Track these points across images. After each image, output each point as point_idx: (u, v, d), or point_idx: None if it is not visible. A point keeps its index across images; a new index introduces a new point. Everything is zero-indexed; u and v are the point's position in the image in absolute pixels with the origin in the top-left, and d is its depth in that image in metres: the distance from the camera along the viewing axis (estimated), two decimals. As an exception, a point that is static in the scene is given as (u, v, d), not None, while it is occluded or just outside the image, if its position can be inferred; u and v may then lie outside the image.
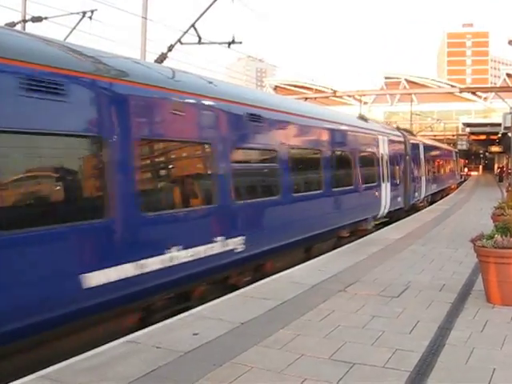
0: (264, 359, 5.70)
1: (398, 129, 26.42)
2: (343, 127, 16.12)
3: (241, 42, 14.97)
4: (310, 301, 8.09)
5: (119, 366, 5.59)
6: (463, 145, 71.19)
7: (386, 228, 17.83)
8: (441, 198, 34.01)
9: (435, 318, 7.16)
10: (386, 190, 19.44)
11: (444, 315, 7.28)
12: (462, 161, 78.38)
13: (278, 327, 6.78)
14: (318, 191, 13.53)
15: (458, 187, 47.67)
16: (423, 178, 28.71)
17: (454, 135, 74.31)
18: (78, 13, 15.46)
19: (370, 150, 18.53)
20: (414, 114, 63.41)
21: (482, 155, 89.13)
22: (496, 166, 76.55)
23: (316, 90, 60.51)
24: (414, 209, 25.17)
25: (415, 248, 13.11)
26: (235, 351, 5.92)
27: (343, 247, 13.63)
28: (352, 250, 13.15)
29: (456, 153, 55.21)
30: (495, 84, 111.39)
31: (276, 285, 9.34)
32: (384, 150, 19.94)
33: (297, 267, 10.98)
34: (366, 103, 78.17)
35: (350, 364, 5.53)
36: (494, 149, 70.12)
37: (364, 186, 17.09)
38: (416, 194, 26.06)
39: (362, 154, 17.52)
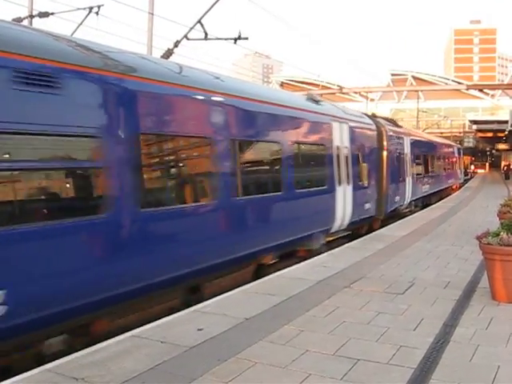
0: (269, 354, 5.71)
1: (374, 117, 20.57)
2: (266, 108, 11.18)
3: (247, 38, 14.99)
4: (315, 297, 8.10)
5: (124, 360, 5.61)
6: (470, 142, 71.12)
7: (391, 225, 17.76)
8: (439, 200, 29.93)
9: (440, 314, 7.15)
10: (344, 194, 14.72)
11: (449, 312, 7.27)
12: (469, 158, 78.14)
13: (283, 323, 6.79)
14: (207, 202, 9.19)
15: (460, 187, 42.97)
16: (409, 179, 23.09)
17: (460, 132, 74.22)
18: (84, 8, 15.50)
19: (316, 141, 13.79)
20: (421, 111, 63.33)
21: (488, 153, 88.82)
22: (503, 163, 76.30)
23: (322, 86, 60.41)
24: (396, 216, 20.74)
25: (421, 245, 13.09)
26: (240, 346, 5.93)
27: (348, 244, 13.61)
28: (357, 246, 13.15)
29: (459, 149, 48.85)
30: (502, 81, 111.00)
31: (281, 281, 9.35)
32: (342, 141, 14.96)
33: (302, 263, 11.00)
34: (372, 100, 78.10)
35: (355, 360, 5.53)
36: (501, 146, 69.93)
37: (304, 190, 12.60)
38: (397, 198, 20.80)
39: (302, 146, 12.98)
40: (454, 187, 40.78)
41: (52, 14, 15.97)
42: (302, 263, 11.03)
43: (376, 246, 12.86)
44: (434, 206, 26.05)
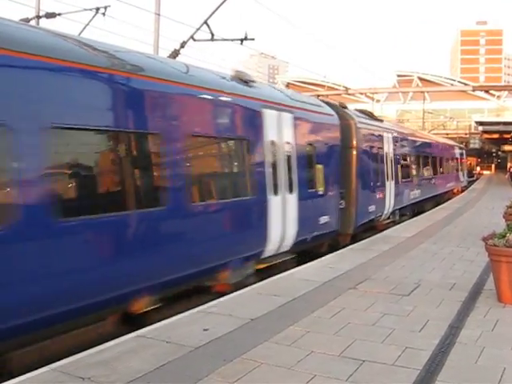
0: (274, 355, 5.71)
1: (343, 107, 16.36)
2: (137, 83, 7.84)
3: (253, 39, 15.01)
4: (320, 298, 8.10)
5: (130, 360, 5.63)
6: (476, 143, 70.88)
7: (396, 226, 17.72)
8: (436, 206, 26.66)
9: (445, 316, 7.14)
10: (284, 206, 11.15)
11: (454, 314, 7.26)
12: (475, 159, 77.94)
13: (288, 324, 6.79)
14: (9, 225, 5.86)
15: (463, 191, 39.62)
16: (390, 184, 18.88)
17: (466, 134, 74.02)
18: (91, 9, 15.57)
19: (232, 134, 10.13)
20: (427, 112, 63.22)
21: (494, 154, 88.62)
22: (509, 164, 76.09)
23: (328, 87, 60.37)
24: (373, 228, 17.17)
25: (426, 246, 13.07)
26: (245, 347, 5.94)
27: (353, 245, 13.59)
28: (362, 247, 13.13)
29: (461, 149, 44.37)
30: (509, 82, 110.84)
31: (286, 282, 9.36)
32: (281, 135, 11.33)
33: (307, 265, 10.99)
34: (378, 101, 78.04)
35: (360, 361, 5.53)
36: (507, 147, 69.73)
37: (210, 203, 9.30)
38: (372, 207, 16.73)
39: (205, 140, 9.56)
40: (455, 191, 37.31)
41: (59, 14, 16.04)
42: (307, 264, 11.02)
43: (381, 248, 12.85)
44: (439, 207, 25.84)
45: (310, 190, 12.56)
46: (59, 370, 5.39)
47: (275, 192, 10.85)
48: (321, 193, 13.18)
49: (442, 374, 5.23)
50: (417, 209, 23.91)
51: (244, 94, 10.46)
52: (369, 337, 6.32)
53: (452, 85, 72.66)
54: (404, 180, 21.34)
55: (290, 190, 11.47)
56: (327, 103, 15.58)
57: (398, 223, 19.12)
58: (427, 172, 27.35)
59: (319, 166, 13.14)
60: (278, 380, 5.12)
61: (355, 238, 15.07)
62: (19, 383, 5.16)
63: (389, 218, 19.17)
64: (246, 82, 10.98)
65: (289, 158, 11.60)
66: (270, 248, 10.84)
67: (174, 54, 13.68)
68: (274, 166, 10.99)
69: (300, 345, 6.05)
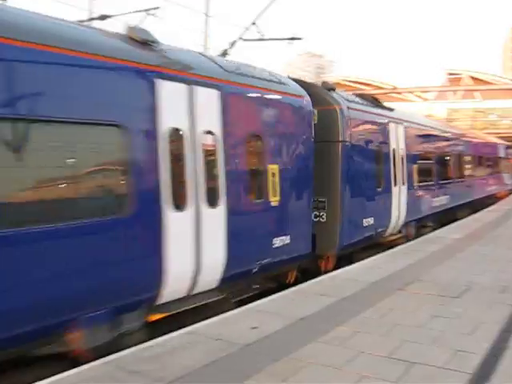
0: (322, 355, 5.74)
1: (329, 90, 12.20)
2: None
3: (301, 38, 15.02)
4: (369, 298, 8.08)
5: (180, 356, 5.75)
6: (528, 143, 69.08)
7: (445, 228, 17.40)
8: (473, 213, 22.13)
9: (497, 319, 7.03)
10: (197, 225, 7.57)
11: (506, 317, 7.14)
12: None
13: (337, 324, 6.81)
14: None
15: (510, 194, 34.22)
16: (398, 189, 14.46)
17: (520, 133, 72.29)
18: (141, 11, 15.87)
19: (93, 118, 6.26)
20: (478, 111, 61.96)
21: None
22: None
23: (375, 86, 59.74)
24: (374, 246, 13.38)
25: (476, 248, 12.85)
26: (294, 346, 5.98)
27: (401, 246, 13.44)
28: (411, 249, 12.99)
29: (508, 148, 37.73)
30: None
31: (334, 282, 9.36)
32: (192, 122, 7.62)
33: (354, 265, 10.96)
34: (426, 99, 76.83)
35: (409, 363, 5.51)
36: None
37: (33, 228, 5.54)
38: (368, 220, 12.74)
39: (39, 130, 5.77)
40: (499, 195, 31.42)
41: (109, 16, 16.41)
42: (355, 264, 10.98)
43: (429, 249, 12.69)
44: (489, 208, 24.97)
45: (253, 201, 9.01)
46: (112, 363, 5.56)
47: (178, 206, 7.29)
48: (274, 204, 9.41)
49: (494, 378, 5.17)
50: (445, 218, 19.37)
51: (122, 58, 6.89)
52: (418, 339, 6.29)
53: (504, 83, 71.08)
54: (422, 184, 16.73)
55: (212, 202, 7.90)
56: (297, 81, 11.32)
57: (416, 238, 15.16)
58: (458, 173, 22.25)
59: (273, 167, 9.44)
60: (327, 380, 5.15)
61: (351, 259, 11.95)
62: (76, 374, 5.34)
63: (400, 231, 15.02)
64: (143, 42, 7.45)
65: (210, 155, 8.01)
66: (173, 289, 7.37)
67: (223, 54, 13.84)
68: (179, 166, 7.42)
69: (348, 345, 6.07)
